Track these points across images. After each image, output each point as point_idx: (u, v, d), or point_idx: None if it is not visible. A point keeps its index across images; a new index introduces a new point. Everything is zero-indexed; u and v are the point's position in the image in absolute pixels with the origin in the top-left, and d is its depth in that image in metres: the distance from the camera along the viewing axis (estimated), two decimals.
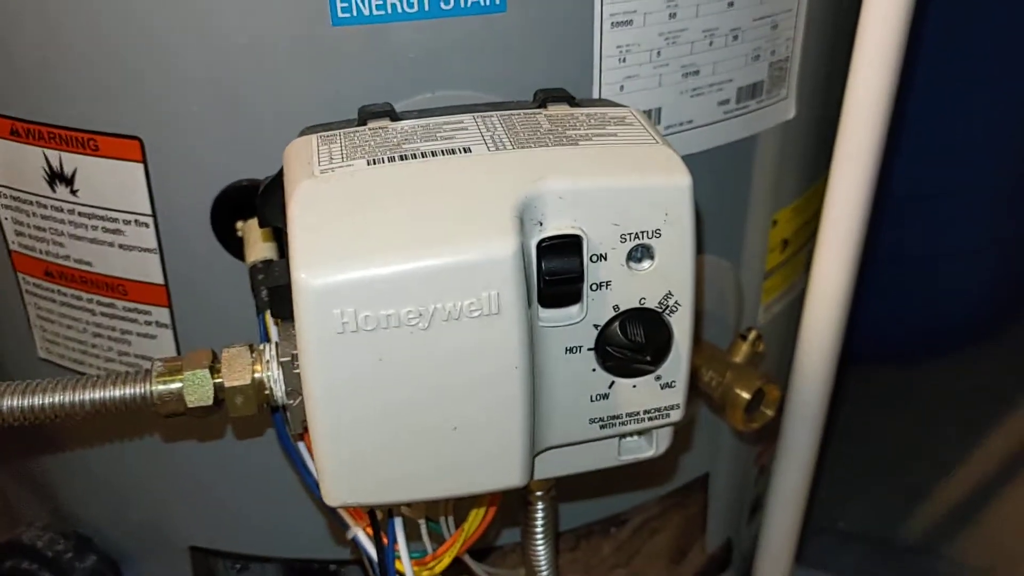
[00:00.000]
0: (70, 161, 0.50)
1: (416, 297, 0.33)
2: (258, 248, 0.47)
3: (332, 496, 0.36)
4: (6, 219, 0.54)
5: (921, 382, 1.11)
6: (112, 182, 0.49)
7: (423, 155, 0.36)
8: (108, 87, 0.47)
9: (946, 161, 1.04)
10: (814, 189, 0.64)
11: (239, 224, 0.49)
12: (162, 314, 0.53)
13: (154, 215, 0.50)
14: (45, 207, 0.52)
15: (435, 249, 0.33)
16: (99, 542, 0.64)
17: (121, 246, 0.51)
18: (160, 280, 0.52)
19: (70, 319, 0.55)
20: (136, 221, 0.50)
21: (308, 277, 0.32)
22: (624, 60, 0.48)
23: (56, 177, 0.51)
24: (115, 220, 0.51)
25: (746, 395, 0.53)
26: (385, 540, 0.43)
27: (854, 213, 0.60)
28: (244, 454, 0.57)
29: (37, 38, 0.47)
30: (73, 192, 0.50)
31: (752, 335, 0.55)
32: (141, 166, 0.49)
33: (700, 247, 0.43)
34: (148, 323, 0.53)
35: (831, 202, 0.60)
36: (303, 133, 0.41)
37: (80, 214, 0.51)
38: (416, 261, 0.33)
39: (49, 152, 0.50)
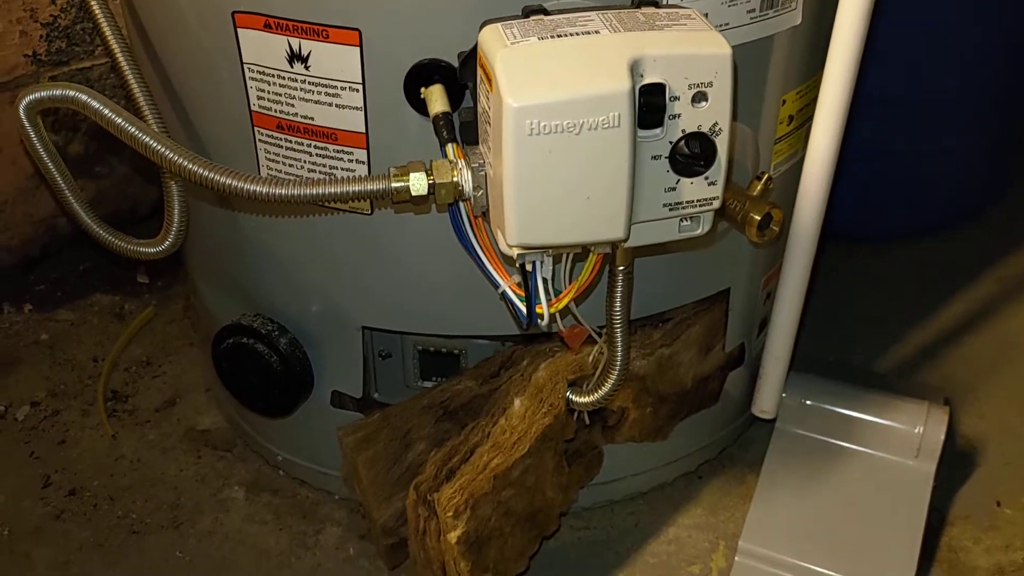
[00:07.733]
0: (307, 46, 0.73)
1: (573, 114, 0.57)
2: (438, 105, 0.70)
3: (513, 238, 0.60)
4: (251, 88, 0.77)
5: (904, 258, 1.35)
6: (336, 60, 0.72)
7: (571, 35, 0.59)
8: None
9: (934, 66, 1.20)
10: (814, 79, 0.86)
11: (423, 89, 0.72)
12: (361, 154, 0.76)
13: (363, 83, 0.73)
14: (283, 78, 0.75)
15: (584, 87, 0.57)
16: (291, 329, 0.89)
17: (337, 105, 0.75)
18: (363, 130, 0.75)
19: (292, 159, 0.79)
20: (350, 87, 0.74)
21: (512, 101, 0.56)
22: None
23: (295, 57, 0.74)
24: (335, 87, 0.74)
25: (758, 216, 0.76)
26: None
27: (841, 98, 0.82)
28: (403, 256, 0.81)
29: None
30: (307, 68, 0.74)
31: (764, 176, 0.78)
32: (358, 49, 0.72)
33: (736, 108, 0.65)
34: (351, 160, 0.77)
35: (824, 89, 0.82)
36: (485, 24, 0.64)
37: (309, 83, 0.74)
38: (573, 93, 0.56)
39: (292, 39, 0.73)
